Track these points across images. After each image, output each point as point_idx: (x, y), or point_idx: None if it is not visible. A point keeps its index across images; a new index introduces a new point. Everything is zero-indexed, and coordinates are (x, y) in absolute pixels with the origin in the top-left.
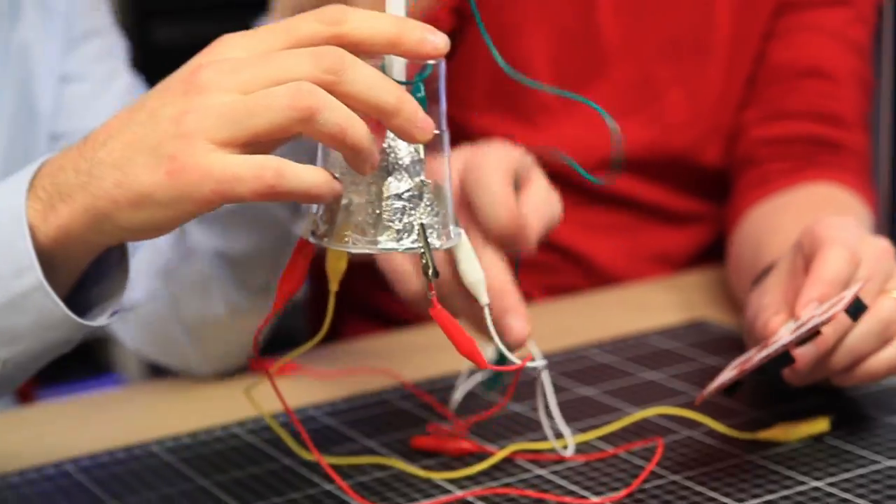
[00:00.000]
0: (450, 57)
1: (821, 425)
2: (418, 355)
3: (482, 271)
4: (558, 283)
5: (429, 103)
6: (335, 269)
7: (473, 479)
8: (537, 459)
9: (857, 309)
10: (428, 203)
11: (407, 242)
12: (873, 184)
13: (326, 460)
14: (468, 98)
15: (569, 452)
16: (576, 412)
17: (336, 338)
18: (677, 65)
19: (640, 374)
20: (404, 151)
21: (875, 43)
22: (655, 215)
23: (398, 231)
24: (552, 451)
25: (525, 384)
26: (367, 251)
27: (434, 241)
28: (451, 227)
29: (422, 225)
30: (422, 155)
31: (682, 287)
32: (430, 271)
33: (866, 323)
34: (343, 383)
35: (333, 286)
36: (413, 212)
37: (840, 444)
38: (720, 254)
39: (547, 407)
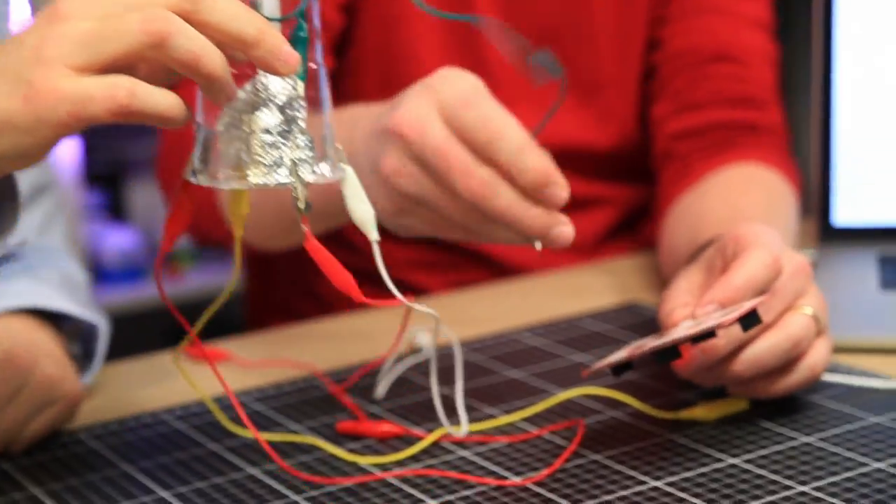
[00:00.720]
0: (340, 54)
1: (740, 404)
2: (352, 340)
3: (371, 209)
4: (466, 281)
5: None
6: (236, 214)
7: (399, 462)
8: (463, 442)
9: (750, 321)
10: (301, 138)
11: (278, 177)
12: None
13: (251, 442)
14: (359, 95)
15: (461, 434)
16: (503, 394)
17: (282, 320)
18: (559, 52)
19: (570, 356)
20: (278, 87)
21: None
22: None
23: (268, 166)
24: (481, 432)
25: (451, 367)
26: (237, 187)
27: (307, 175)
28: (329, 164)
29: (293, 160)
30: (300, 91)
31: (617, 271)
32: (303, 206)
33: (774, 336)
34: (272, 371)
35: (237, 231)
36: (284, 146)
37: (759, 421)
38: (631, 234)
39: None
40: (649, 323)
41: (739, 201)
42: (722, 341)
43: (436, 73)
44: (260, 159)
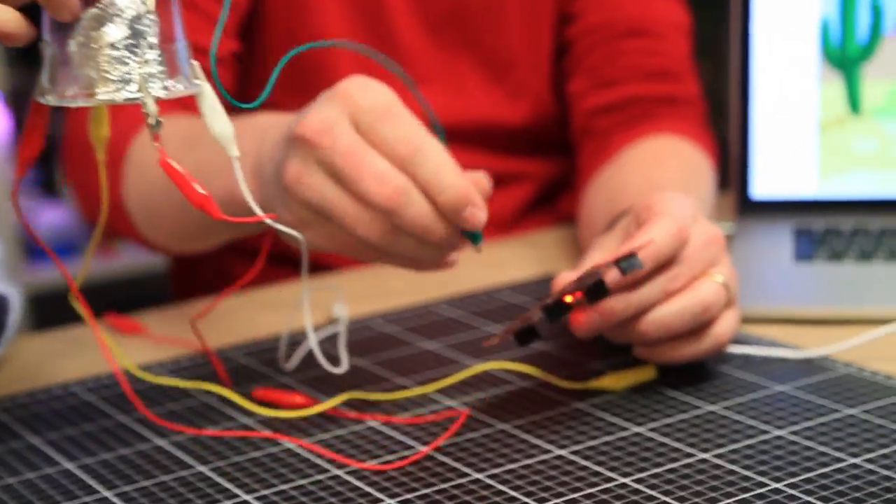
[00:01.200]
0: (248, 41)
1: (648, 373)
2: (268, 312)
3: (229, 123)
4: None
5: None
6: (97, 136)
7: (302, 431)
8: (373, 414)
9: (597, 293)
10: (150, 53)
11: (126, 93)
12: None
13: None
14: (268, 79)
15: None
16: (416, 365)
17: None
18: (469, 30)
19: (487, 327)
20: (125, 1)
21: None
22: None
23: (116, 82)
24: (387, 401)
25: (367, 339)
26: (86, 104)
27: (158, 91)
28: (182, 80)
29: (142, 75)
30: (149, 6)
31: (537, 244)
32: (154, 122)
33: (683, 300)
34: (186, 343)
35: (98, 154)
36: (132, 61)
37: (666, 390)
38: (550, 208)
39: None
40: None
41: (656, 173)
42: (620, 304)
43: (347, 81)
44: (107, 75)
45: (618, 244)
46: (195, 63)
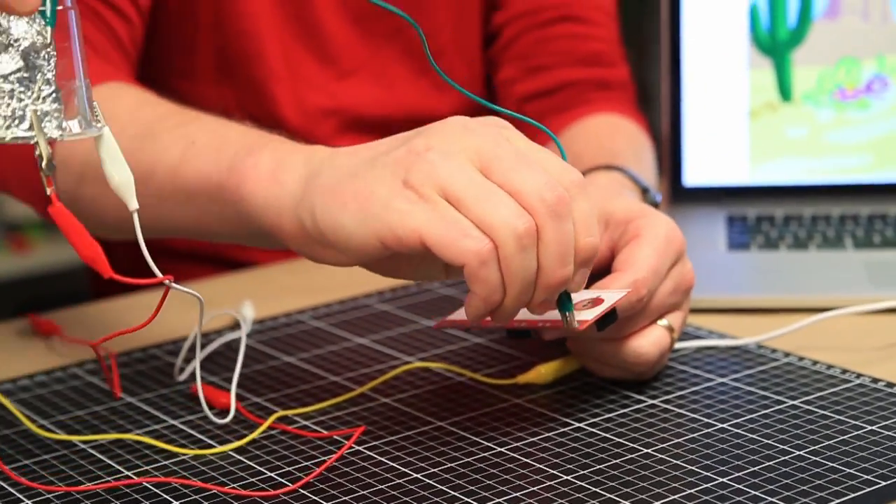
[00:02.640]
0: (173, 28)
1: (574, 363)
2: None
3: (129, 172)
4: None
5: None
6: None
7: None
8: (304, 411)
9: (608, 321)
10: (46, 89)
11: (17, 131)
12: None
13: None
14: (194, 70)
15: (228, 418)
16: (348, 362)
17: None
18: (394, 19)
19: (420, 321)
20: (21, 30)
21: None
22: None
23: (6, 118)
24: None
25: (297, 334)
26: None
27: (53, 130)
28: (81, 120)
29: (35, 112)
30: (48, 38)
31: None
32: (45, 163)
33: (628, 350)
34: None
35: None
36: (24, 96)
37: (607, 385)
38: None
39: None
40: None
41: (608, 143)
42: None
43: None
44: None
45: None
46: (96, 103)
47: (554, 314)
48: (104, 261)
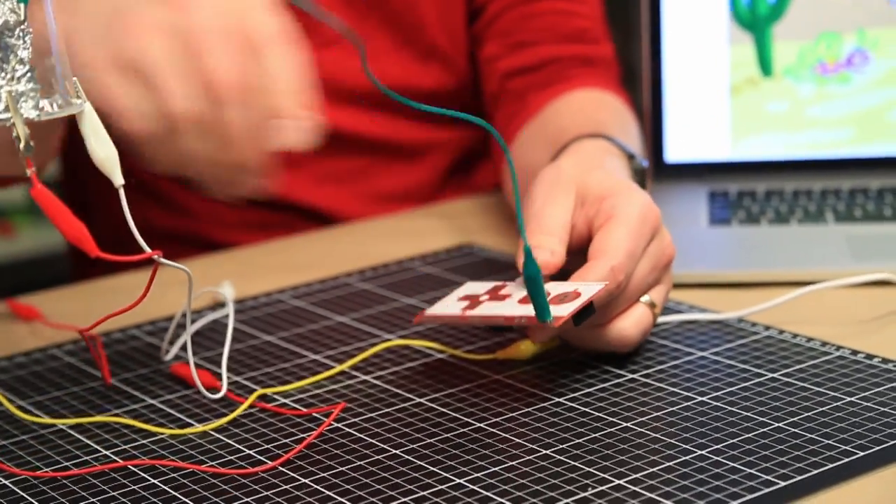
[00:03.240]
0: None
1: (553, 340)
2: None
3: (113, 147)
4: None
5: None
6: None
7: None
8: (284, 389)
9: (585, 315)
10: (21, 69)
11: None
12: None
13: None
14: None
15: (221, 394)
16: (329, 340)
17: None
18: None
19: (400, 299)
20: None
21: None
22: (384, 152)
23: None
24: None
25: (277, 313)
26: None
27: (29, 111)
28: (58, 99)
29: (10, 93)
30: (22, 16)
31: (451, 214)
32: (23, 145)
33: (610, 333)
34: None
35: None
36: None
37: (586, 360)
38: (465, 179)
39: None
40: (481, 264)
41: (593, 114)
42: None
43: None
44: None
45: (574, 207)
46: (75, 79)
47: (530, 309)
48: (90, 240)
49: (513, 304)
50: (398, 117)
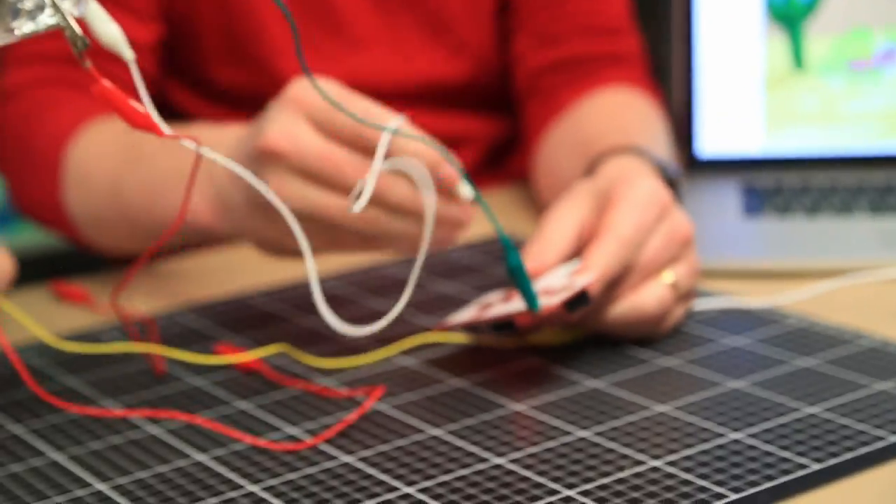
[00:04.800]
0: (175, 13)
1: (580, 330)
2: (210, 275)
3: (116, 27)
4: None
5: None
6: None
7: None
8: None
9: (577, 304)
10: None
11: (44, 20)
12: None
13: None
14: (205, 54)
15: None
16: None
17: None
18: None
19: (439, 287)
20: None
21: None
22: None
23: (30, 11)
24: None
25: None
26: (7, 41)
27: (71, 9)
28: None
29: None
30: None
31: (494, 203)
32: (79, 42)
33: (623, 305)
34: (148, 304)
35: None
36: None
37: (619, 346)
38: (497, 171)
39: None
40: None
41: (620, 118)
42: (575, 316)
43: (292, 85)
44: (20, 6)
45: (592, 210)
46: None
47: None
48: (156, 125)
49: (516, 303)
50: (430, 110)
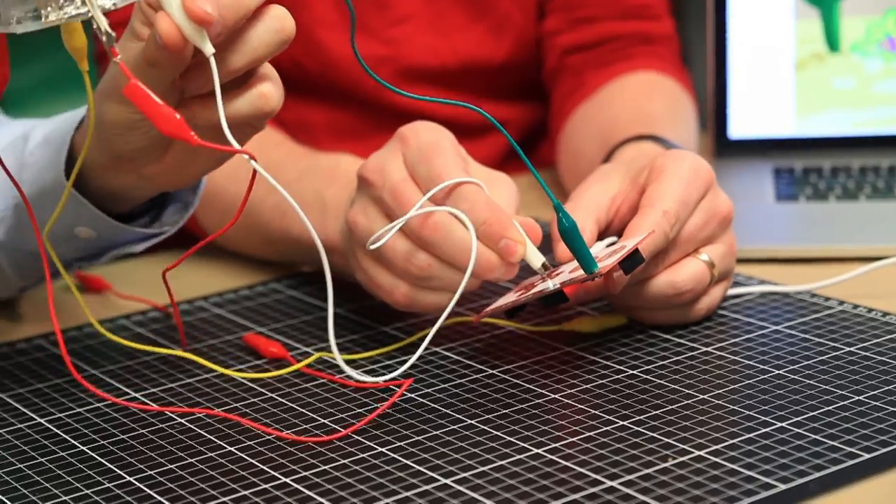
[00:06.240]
0: None
1: (619, 319)
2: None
3: (180, 6)
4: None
5: None
6: (75, 49)
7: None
8: (355, 357)
9: (633, 263)
10: None
11: (71, 10)
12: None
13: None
14: (319, 14)
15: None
16: (398, 312)
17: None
18: None
19: None
20: None
21: None
22: (455, 130)
23: (59, 1)
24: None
25: (344, 288)
26: (35, 28)
27: (105, 1)
28: None
29: None
30: None
31: (522, 188)
32: (105, 34)
33: (660, 281)
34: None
35: (82, 65)
36: None
37: (657, 333)
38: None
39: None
40: (545, 237)
41: (645, 106)
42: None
43: (409, 124)
44: None
45: (623, 184)
46: None
47: (579, 273)
48: (187, 130)
49: (564, 276)
50: (468, 94)
